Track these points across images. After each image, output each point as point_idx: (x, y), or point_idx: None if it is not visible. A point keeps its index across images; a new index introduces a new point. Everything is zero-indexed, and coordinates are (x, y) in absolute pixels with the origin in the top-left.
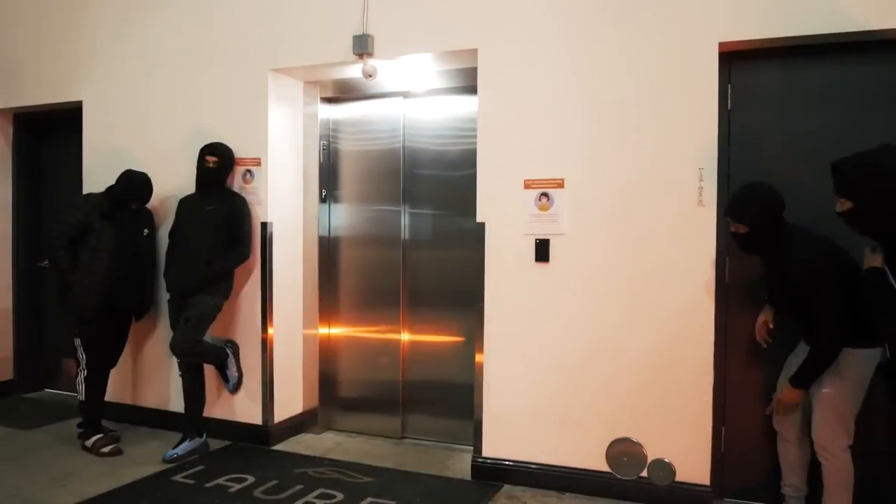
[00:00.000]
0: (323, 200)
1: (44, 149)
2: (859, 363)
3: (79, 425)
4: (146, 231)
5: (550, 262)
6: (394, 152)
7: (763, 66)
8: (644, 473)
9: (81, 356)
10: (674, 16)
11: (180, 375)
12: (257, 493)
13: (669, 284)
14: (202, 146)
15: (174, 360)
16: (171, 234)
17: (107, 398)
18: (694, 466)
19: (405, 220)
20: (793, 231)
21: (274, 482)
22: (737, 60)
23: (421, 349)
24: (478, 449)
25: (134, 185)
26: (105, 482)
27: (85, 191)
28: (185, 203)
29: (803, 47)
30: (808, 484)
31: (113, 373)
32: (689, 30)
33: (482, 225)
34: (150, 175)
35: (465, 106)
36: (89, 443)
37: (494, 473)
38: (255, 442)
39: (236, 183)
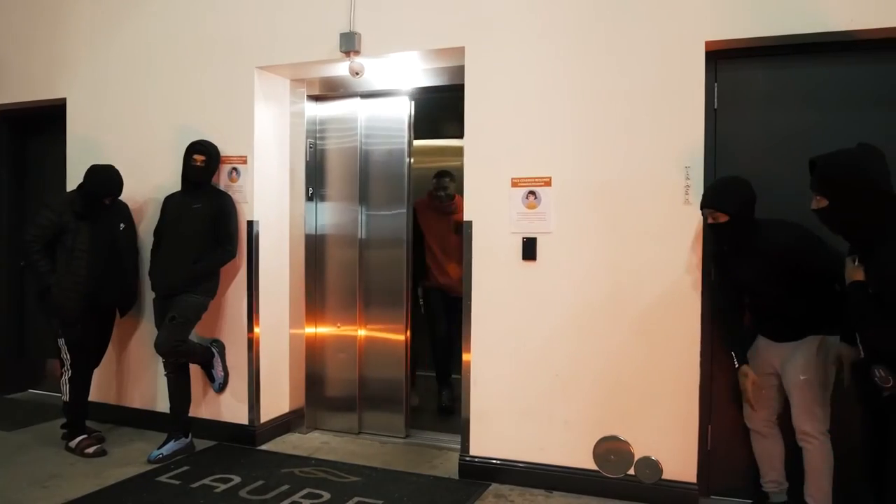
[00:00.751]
0: (309, 199)
1: (28, 146)
2: (832, 349)
3: (63, 426)
4: (122, 225)
5: (538, 260)
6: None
7: (749, 65)
8: (631, 471)
9: (66, 357)
10: (661, 15)
11: (165, 375)
12: (243, 493)
13: (656, 283)
14: (189, 144)
15: (159, 360)
16: (157, 232)
17: (91, 398)
18: (680, 464)
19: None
20: (768, 221)
21: (260, 482)
22: (723, 59)
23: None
24: (465, 448)
25: (101, 179)
26: (89, 483)
27: (68, 189)
28: (170, 201)
29: (789, 46)
30: (787, 477)
31: (97, 372)
32: (677, 29)
33: (469, 223)
34: (134, 173)
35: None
36: (73, 443)
37: (482, 472)
38: (241, 442)
39: (222, 181)
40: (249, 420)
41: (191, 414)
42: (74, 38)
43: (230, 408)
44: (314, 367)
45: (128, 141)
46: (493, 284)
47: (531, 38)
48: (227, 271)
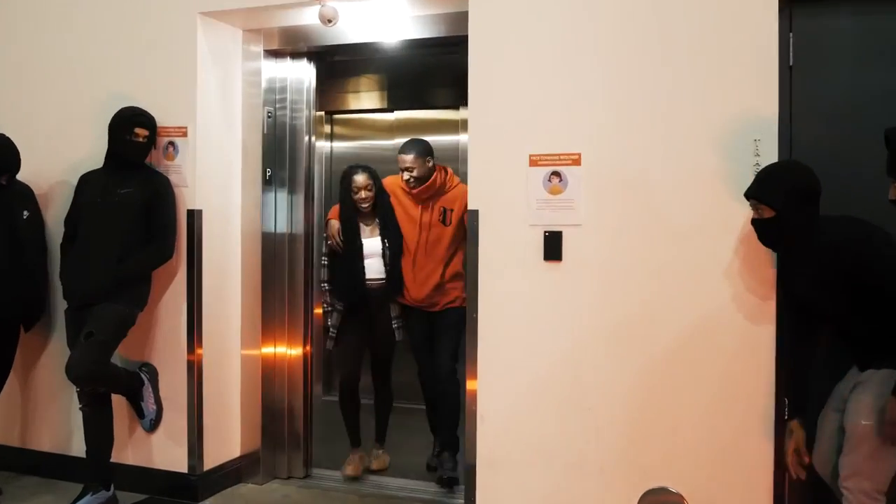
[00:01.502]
0: (268, 183)
1: None
2: None
3: None
4: (25, 213)
5: (563, 260)
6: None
7: (833, 11)
8: None
9: None
10: None
11: (81, 409)
12: None
13: (715, 291)
14: (122, 113)
15: (73, 389)
16: (69, 221)
17: None
18: None
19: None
20: (830, 217)
21: None
22: (800, 5)
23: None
24: (471, 501)
25: None
26: None
27: None
28: (88, 183)
29: None
30: None
31: None
32: None
33: (474, 213)
34: (41, 147)
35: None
36: None
37: None
38: (178, 495)
39: (155, 158)
40: (190, 467)
41: (113, 459)
42: None
43: (165, 451)
44: (273, 398)
45: (34, 108)
46: (507, 292)
47: None
48: (161, 275)
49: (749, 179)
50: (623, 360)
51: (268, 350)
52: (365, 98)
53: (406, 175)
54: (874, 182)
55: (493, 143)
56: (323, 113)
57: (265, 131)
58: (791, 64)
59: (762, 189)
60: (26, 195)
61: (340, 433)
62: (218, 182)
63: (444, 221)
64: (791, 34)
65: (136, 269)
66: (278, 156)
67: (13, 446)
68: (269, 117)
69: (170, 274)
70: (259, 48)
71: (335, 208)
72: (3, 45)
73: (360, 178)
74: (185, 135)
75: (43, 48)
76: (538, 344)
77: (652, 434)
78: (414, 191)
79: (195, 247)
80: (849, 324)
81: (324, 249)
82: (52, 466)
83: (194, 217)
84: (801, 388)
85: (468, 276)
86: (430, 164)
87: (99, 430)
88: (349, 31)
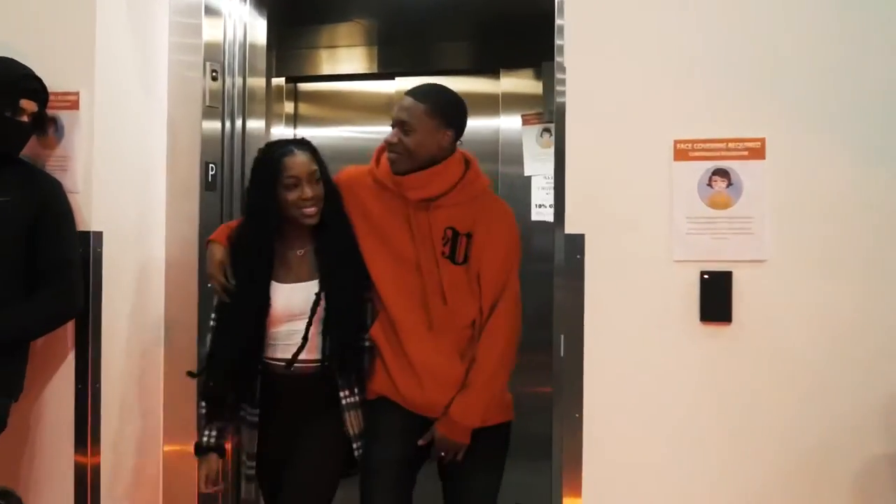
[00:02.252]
0: (210, 187)
1: None
2: None
3: None
4: None
5: (734, 322)
6: None
7: None
8: None
9: None
10: None
11: None
12: None
13: None
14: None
15: None
16: None
17: None
18: None
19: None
20: None
21: None
22: None
23: None
24: None
25: None
26: None
27: None
28: None
29: None
30: None
31: None
32: None
33: (576, 240)
34: None
35: None
36: None
37: None
38: None
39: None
40: None
41: None
42: None
43: None
44: None
45: None
46: (633, 375)
47: None
48: (40, 344)
49: None
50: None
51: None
52: (348, 58)
53: (392, 139)
54: None
55: (609, 126)
56: (283, 81)
57: (207, 103)
58: None
59: None
60: None
61: None
62: (130, 185)
63: (452, 256)
64: None
65: (14, 331)
66: (228, 144)
67: None
68: (213, 79)
69: (53, 342)
70: None
71: (224, 227)
72: None
73: (298, 160)
74: (74, 106)
75: None
76: (690, 463)
77: None
78: (397, 177)
79: (91, 293)
80: None
81: (215, 301)
82: None
83: (90, 243)
84: None
85: (554, 346)
86: (444, 135)
87: None
88: None
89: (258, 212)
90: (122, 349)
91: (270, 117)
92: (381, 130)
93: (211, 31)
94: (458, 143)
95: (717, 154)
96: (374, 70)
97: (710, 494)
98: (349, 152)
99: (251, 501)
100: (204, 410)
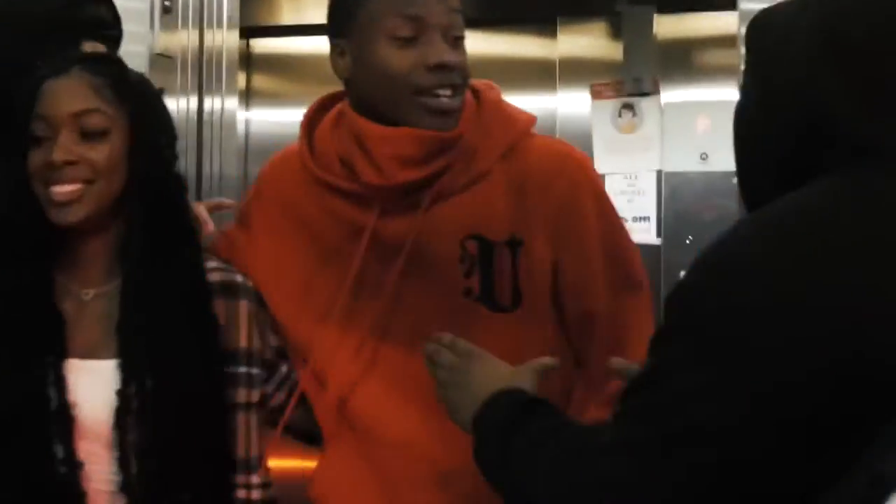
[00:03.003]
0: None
1: None
2: None
3: None
4: None
5: None
6: None
7: None
8: None
9: None
10: None
11: None
12: None
13: None
14: None
15: None
16: None
17: None
18: None
19: None
20: None
21: None
22: None
23: None
24: None
25: None
26: None
27: None
28: None
29: None
30: None
31: None
32: None
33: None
34: None
35: None
36: None
37: None
38: None
39: None
40: None
41: None
42: None
43: None
44: None
45: None
46: None
47: None
48: None
49: None
50: None
51: None
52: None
53: (449, 59)
54: None
55: None
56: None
57: (155, 51)
58: None
59: None
60: None
61: None
62: None
63: (488, 294)
64: None
65: None
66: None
67: None
68: (166, 10)
69: None
70: None
71: None
72: None
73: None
74: None
75: None
76: None
77: None
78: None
79: None
80: None
81: None
82: None
83: None
84: None
85: None
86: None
87: None
88: None
89: None
90: None
91: (225, 91)
92: None
93: None
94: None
95: None
96: None
97: None
98: None
99: None
100: None
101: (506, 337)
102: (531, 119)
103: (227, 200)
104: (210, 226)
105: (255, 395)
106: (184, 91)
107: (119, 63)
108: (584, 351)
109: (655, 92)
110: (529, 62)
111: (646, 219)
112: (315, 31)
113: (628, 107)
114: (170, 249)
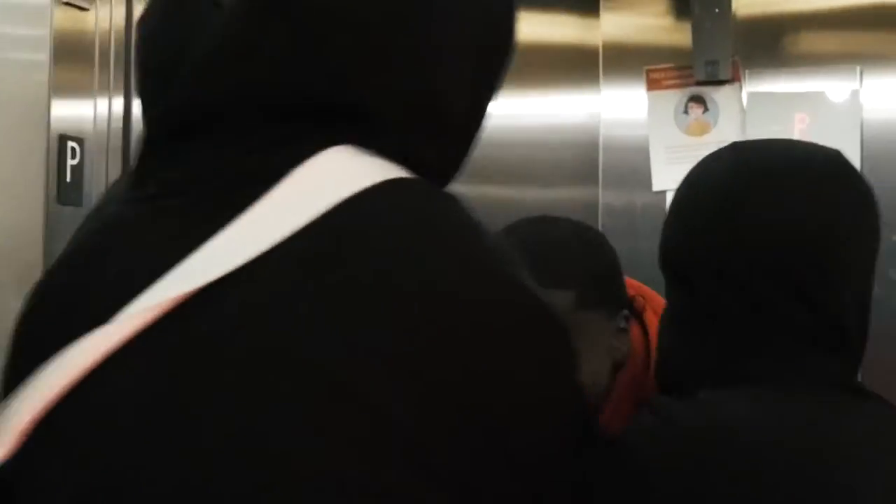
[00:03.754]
0: (61, 201)
1: None
2: None
3: None
4: None
5: None
6: None
7: None
8: None
9: None
10: None
11: None
12: None
13: None
14: None
15: None
16: None
17: None
18: None
19: None
20: None
21: None
22: None
23: None
24: None
25: None
26: None
27: None
28: None
29: None
30: None
31: None
32: None
33: None
34: None
35: None
36: None
37: None
38: None
39: None
40: None
41: None
42: None
43: None
44: None
45: None
46: None
47: None
48: None
49: None
50: None
51: None
52: None
53: None
54: None
55: None
56: None
57: (54, 51)
58: None
59: None
60: None
61: None
62: None
63: None
64: None
65: None
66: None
67: None
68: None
69: None
70: None
71: None
72: None
73: None
74: None
75: None
76: None
77: None
78: None
79: None
80: None
81: None
82: None
83: None
84: None
85: None
86: None
87: None
88: None
89: None
90: None
91: None
92: None
93: None
94: None
95: None
96: None
97: None
98: None
99: None
100: None
101: None
102: None
103: None
104: None
105: None
106: None
107: None
108: None
109: (735, 80)
110: (565, 50)
111: None
112: None
113: (697, 99)
114: None
